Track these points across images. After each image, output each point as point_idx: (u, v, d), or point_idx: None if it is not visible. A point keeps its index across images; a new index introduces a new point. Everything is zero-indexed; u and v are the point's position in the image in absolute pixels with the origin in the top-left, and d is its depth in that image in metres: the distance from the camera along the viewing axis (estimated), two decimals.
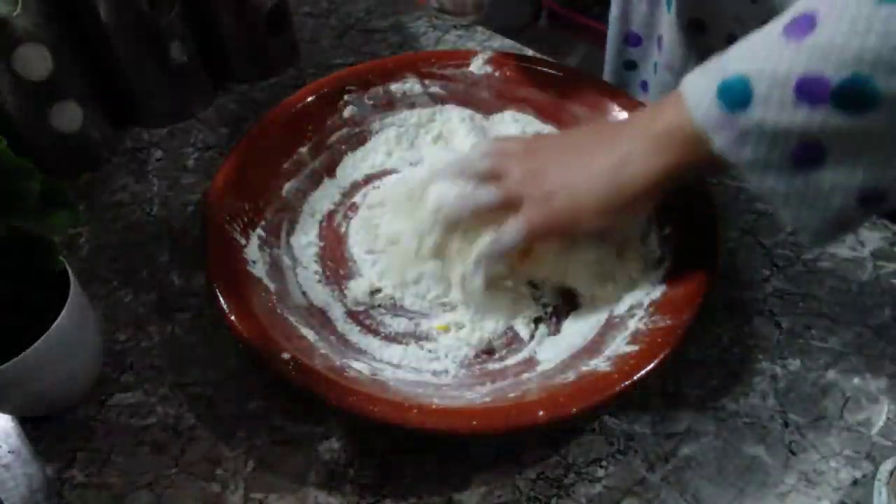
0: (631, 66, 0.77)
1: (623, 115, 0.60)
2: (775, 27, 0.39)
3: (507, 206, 0.50)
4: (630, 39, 0.75)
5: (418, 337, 0.53)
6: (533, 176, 0.49)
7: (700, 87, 0.41)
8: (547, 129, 0.64)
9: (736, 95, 0.39)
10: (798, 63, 0.37)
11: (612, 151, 0.46)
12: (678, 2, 0.65)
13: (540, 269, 0.54)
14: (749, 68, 0.39)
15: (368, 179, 0.64)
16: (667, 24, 0.69)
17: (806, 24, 0.37)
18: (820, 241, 0.42)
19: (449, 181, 0.52)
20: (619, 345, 0.48)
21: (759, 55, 0.39)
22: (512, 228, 0.49)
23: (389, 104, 0.66)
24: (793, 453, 0.47)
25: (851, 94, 0.36)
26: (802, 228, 0.42)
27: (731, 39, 0.42)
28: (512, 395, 0.46)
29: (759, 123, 0.38)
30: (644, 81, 0.77)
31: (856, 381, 0.51)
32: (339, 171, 0.64)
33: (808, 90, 0.37)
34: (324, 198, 0.62)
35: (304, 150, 0.62)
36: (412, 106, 0.66)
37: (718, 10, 0.62)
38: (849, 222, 0.41)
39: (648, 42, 0.74)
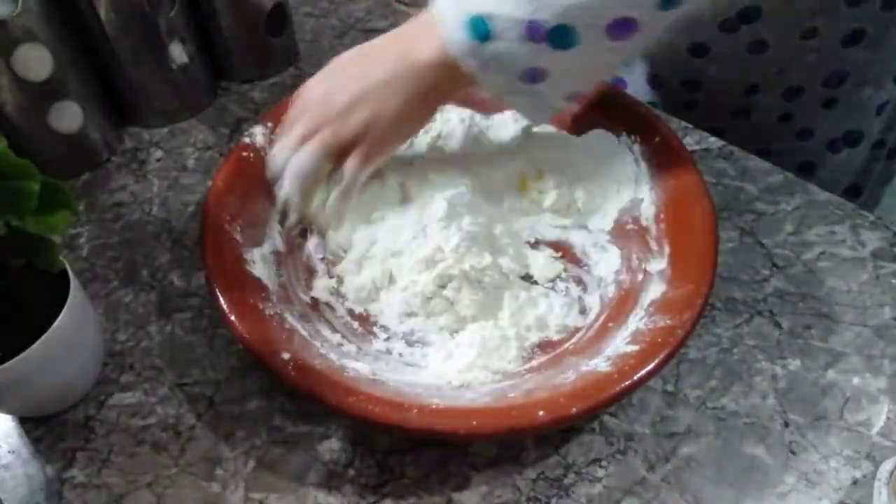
0: None
1: (622, 111, 0.61)
2: None
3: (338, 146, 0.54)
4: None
5: (422, 342, 0.53)
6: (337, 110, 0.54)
7: (450, 19, 0.49)
8: (547, 128, 0.64)
9: (481, 31, 0.48)
10: (525, 10, 0.46)
11: (377, 76, 0.53)
12: None
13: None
14: (491, 10, 0.47)
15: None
16: None
17: None
18: (538, 122, 0.60)
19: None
20: (619, 345, 0.48)
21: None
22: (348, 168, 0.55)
23: None
24: (793, 453, 0.47)
25: (561, 36, 0.47)
26: (525, 114, 0.57)
27: None
28: (512, 395, 0.46)
29: (496, 54, 0.48)
30: None
31: (856, 381, 0.51)
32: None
33: (531, 31, 0.47)
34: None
35: None
36: None
37: None
38: (559, 109, 0.54)
39: None
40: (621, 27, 0.47)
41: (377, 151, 0.55)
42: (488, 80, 0.51)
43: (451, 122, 0.66)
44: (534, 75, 0.50)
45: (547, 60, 0.49)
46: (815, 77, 0.69)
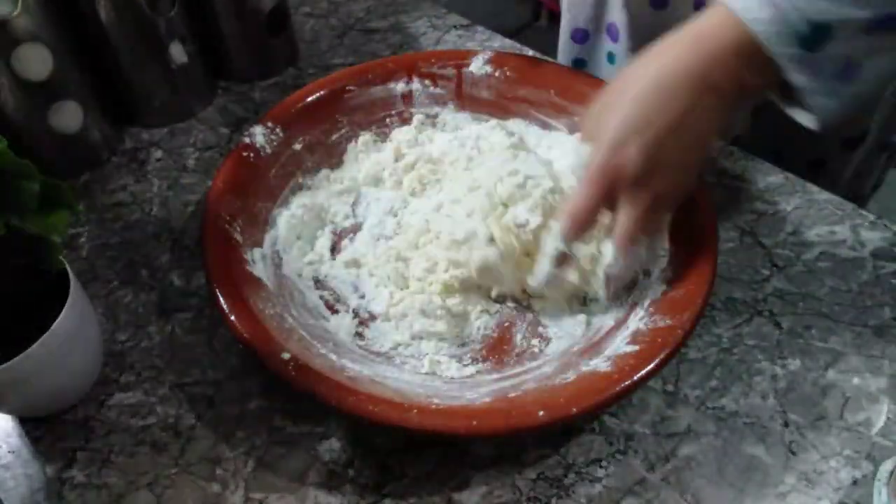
0: (580, 63, 0.78)
1: None
2: None
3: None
4: (576, 37, 0.77)
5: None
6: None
7: (776, 34, 0.43)
8: (548, 130, 0.64)
9: (817, 41, 0.43)
10: (871, 6, 0.42)
11: (693, 115, 0.46)
12: None
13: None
14: (829, 18, 0.42)
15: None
16: (617, 10, 0.69)
17: None
18: (830, 125, 0.47)
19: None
20: (619, 345, 0.48)
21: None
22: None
23: (390, 104, 0.66)
24: (793, 453, 0.47)
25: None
26: (821, 117, 0.46)
27: (698, 6, 0.43)
28: (512, 395, 0.46)
29: (832, 58, 0.44)
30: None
31: (856, 381, 0.51)
32: (339, 171, 0.64)
33: (876, 27, 0.43)
34: (324, 198, 0.62)
35: (303, 150, 0.62)
36: (412, 106, 0.66)
37: None
38: (862, 108, 0.48)
39: (596, 36, 0.75)
40: None
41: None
42: (813, 87, 0.44)
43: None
44: (849, 71, 0.45)
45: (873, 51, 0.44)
46: None
